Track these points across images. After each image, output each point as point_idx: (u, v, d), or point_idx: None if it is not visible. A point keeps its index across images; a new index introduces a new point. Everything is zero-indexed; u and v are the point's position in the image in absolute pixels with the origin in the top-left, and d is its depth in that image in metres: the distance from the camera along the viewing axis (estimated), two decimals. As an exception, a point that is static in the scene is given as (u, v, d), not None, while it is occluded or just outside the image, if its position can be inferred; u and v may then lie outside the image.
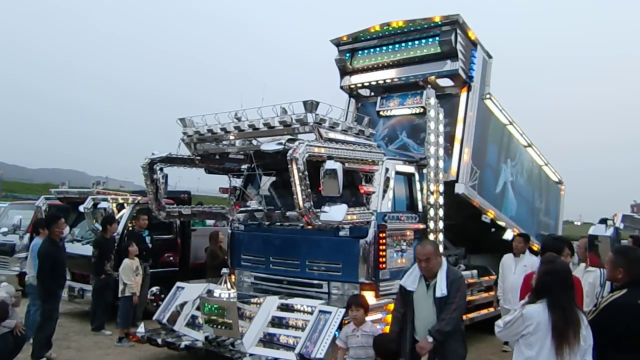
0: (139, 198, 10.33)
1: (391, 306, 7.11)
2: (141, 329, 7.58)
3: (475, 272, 9.20)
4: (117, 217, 9.91)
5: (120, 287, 8.53)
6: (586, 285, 5.50)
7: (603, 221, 8.35)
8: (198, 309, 7.30)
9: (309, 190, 6.03)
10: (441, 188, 8.01)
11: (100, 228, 9.45)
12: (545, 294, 3.44)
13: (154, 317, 8.03)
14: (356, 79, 10.04)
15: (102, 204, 9.83)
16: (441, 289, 4.86)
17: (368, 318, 6.74)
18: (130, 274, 8.47)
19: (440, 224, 7.94)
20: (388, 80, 9.62)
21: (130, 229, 9.96)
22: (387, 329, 7.06)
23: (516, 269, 7.91)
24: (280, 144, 6.32)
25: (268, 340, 6.71)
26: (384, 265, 7.13)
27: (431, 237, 7.87)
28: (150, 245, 9.85)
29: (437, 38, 8.89)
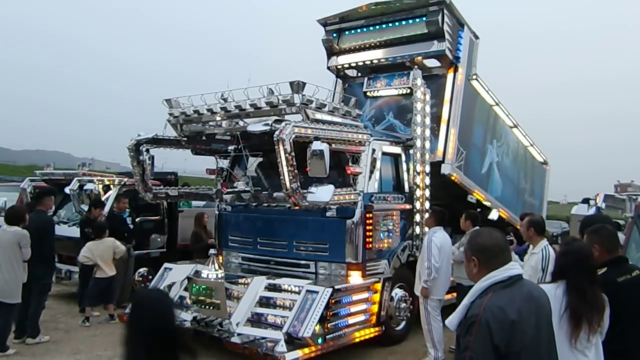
0: (125, 179, 10.27)
1: (378, 286, 7.23)
2: (128, 310, 7.59)
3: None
4: (103, 198, 9.85)
5: (112, 267, 8.57)
6: (529, 269, 5.22)
7: (585, 201, 8.50)
8: (186, 289, 7.33)
9: (296, 171, 6.05)
10: (427, 168, 8.08)
11: (86, 210, 9.42)
12: (562, 276, 3.36)
13: (142, 298, 8.04)
14: (343, 60, 10.02)
15: (88, 186, 9.75)
16: (451, 318, 2.68)
17: (355, 297, 6.85)
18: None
19: (427, 205, 8.01)
20: (375, 61, 9.62)
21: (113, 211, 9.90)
22: (373, 308, 7.18)
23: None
24: (267, 124, 6.31)
25: (256, 320, 6.77)
26: (370, 246, 7.21)
27: (417, 217, 7.94)
28: (131, 227, 9.82)
29: (424, 18, 8.87)
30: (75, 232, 9.57)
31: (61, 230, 10.19)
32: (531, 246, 5.52)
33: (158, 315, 2.47)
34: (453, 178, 8.72)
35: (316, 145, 6.02)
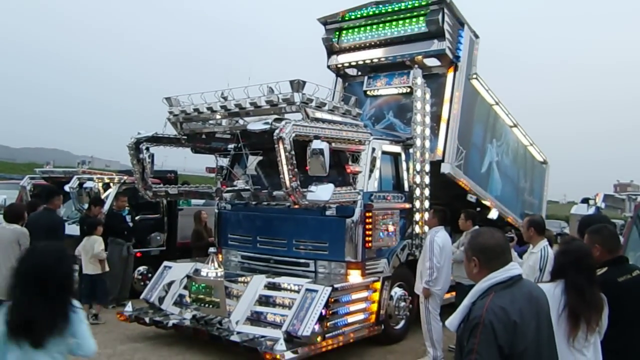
0: (125, 177, 10.28)
1: (377, 285, 7.24)
2: (129, 308, 7.61)
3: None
4: (103, 196, 9.86)
5: (94, 265, 8.38)
6: (527, 268, 5.20)
7: (585, 201, 8.49)
8: (185, 288, 7.34)
9: (296, 169, 6.05)
10: (427, 168, 8.08)
11: (86, 208, 9.42)
12: (561, 275, 3.37)
13: (142, 297, 8.06)
14: (343, 59, 10.01)
15: (88, 184, 9.76)
16: (452, 319, 2.67)
17: (354, 296, 6.86)
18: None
19: (426, 204, 8.01)
20: (375, 60, 9.62)
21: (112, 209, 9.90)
22: (373, 306, 7.19)
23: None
24: (267, 123, 6.31)
25: (255, 319, 6.78)
26: (370, 244, 7.21)
27: (417, 216, 7.94)
28: (131, 225, 9.83)
29: (424, 17, 8.87)
30: (74, 230, 9.57)
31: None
32: (531, 245, 5.53)
33: (43, 266, 2.88)
34: (452, 177, 8.72)
35: (316, 144, 6.02)
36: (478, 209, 9.89)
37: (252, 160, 8.03)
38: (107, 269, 8.48)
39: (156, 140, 7.97)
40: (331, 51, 10.06)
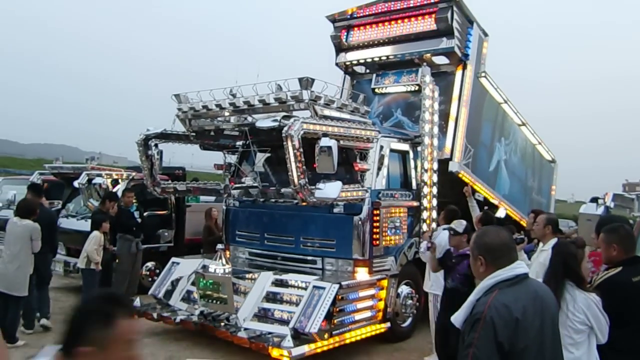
0: (134, 174, 10.32)
1: (384, 282, 7.24)
2: (137, 303, 7.65)
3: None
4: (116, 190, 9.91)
5: (84, 259, 8.25)
6: (537, 265, 5.17)
7: (594, 200, 8.45)
8: (193, 284, 7.37)
9: (304, 167, 6.07)
10: (435, 166, 8.07)
11: (95, 203, 9.46)
12: None
13: (150, 292, 8.10)
14: (352, 56, 10.01)
15: (97, 180, 9.80)
16: (457, 315, 2.68)
17: (361, 293, 6.87)
18: (98, 247, 8.29)
19: (434, 202, 8.01)
20: (384, 58, 9.62)
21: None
22: (380, 304, 7.20)
23: None
24: (275, 120, 6.33)
25: (262, 315, 6.80)
26: (377, 242, 7.22)
27: (424, 214, 7.93)
28: (139, 221, 9.86)
29: (433, 15, 8.85)
30: (83, 225, 9.62)
31: (70, 223, 10.26)
32: (541, 243, 5.52)
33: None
34: (460, 176, 8.71)
35: (324, 142, 6.03)
36: (486, 207, 9.88)
37: (260, 158, 8.05)
38: (92, 267, 8.29)
39: (165, 136, 8.02)
40: (340, 48, 10.07)
